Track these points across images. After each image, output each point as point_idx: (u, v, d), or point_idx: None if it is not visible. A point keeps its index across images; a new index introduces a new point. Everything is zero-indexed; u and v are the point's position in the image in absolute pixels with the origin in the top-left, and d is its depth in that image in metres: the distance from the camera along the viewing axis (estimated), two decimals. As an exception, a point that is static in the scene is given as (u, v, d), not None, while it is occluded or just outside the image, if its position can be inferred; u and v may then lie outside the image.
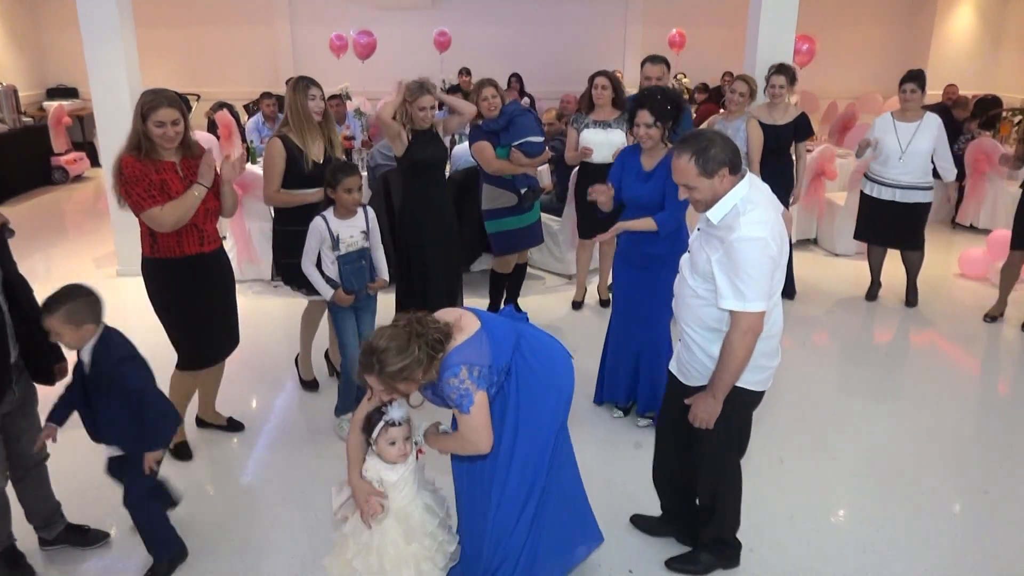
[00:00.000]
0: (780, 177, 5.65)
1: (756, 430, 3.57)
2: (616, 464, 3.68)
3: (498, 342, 2.36)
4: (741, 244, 2.39)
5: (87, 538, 3.07)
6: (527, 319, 2.64)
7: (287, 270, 4.01)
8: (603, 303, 5.79)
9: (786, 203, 5.75)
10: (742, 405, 2.68)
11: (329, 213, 3.60)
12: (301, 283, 3.90)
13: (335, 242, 3.57)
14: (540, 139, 5.02)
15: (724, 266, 2.44)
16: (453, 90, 7.28)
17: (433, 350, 2.22)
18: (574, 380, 2.58)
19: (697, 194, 2.51)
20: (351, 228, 3.63)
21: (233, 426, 3.94)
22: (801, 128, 5.60)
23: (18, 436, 2.84)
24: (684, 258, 2.72)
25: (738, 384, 2.58)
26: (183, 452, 3.68)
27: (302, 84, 3.82)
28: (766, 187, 2.59)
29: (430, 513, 2.51)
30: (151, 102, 3.16)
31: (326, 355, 4.61)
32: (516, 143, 4.89)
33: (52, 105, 10.57)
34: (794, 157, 5.75)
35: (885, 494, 3.45)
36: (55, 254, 6.97)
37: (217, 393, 3.91)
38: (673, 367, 2.83)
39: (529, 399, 2.43)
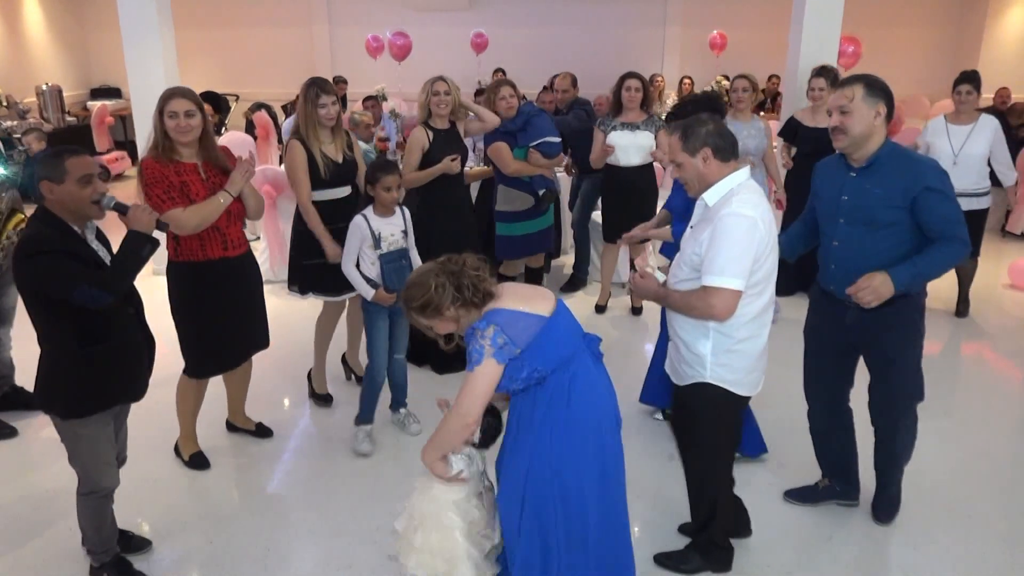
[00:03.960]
0: None
1: (799, 449, 3.46)
2: (649, 474, 3.57)
3: (549, 343, 2.21)
4: (729, 218, 2.41)
5: (131, 544, 3.02)
6: (598, 352, 2.41)
7: (305, 273, 3.92)
8: (635, 311, 5.68)
9: None
10: (728, 409, 2.68)
11: (369, 212, 3.59)
12: (319, 287, 3.87)
13: (376, 240, 3.55)
14: (558, 140, 4.98)
15: (710, 242, 2.44)
16: (481, 92, 7.24)
17: (465, 291, 2.17)
18: (614, 424, 2.38)
19: (683, 172, 2.57)
20: (391, 226, 3.61)
21: (262, 432, 3.90)
22: None
23: (117, 431, 2.83)
24: (678, 254, 2.72)
25: (724, 387, 2.59)
26: (200, 462, 3.62)
27: (312, 91, 3.73)
28: (761, 188, 2.63)
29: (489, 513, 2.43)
30: (164, 94, 3.17)
31: (343, 359, 4.52)
32: (534, 144, 4.84)
33: (96, 105, 10.76)
34: None
35: (930, 517, 3.30)
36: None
37: (246, 397, 3.88)
38: (667, 367, 2.85)
39: (551, 429, 2.26)
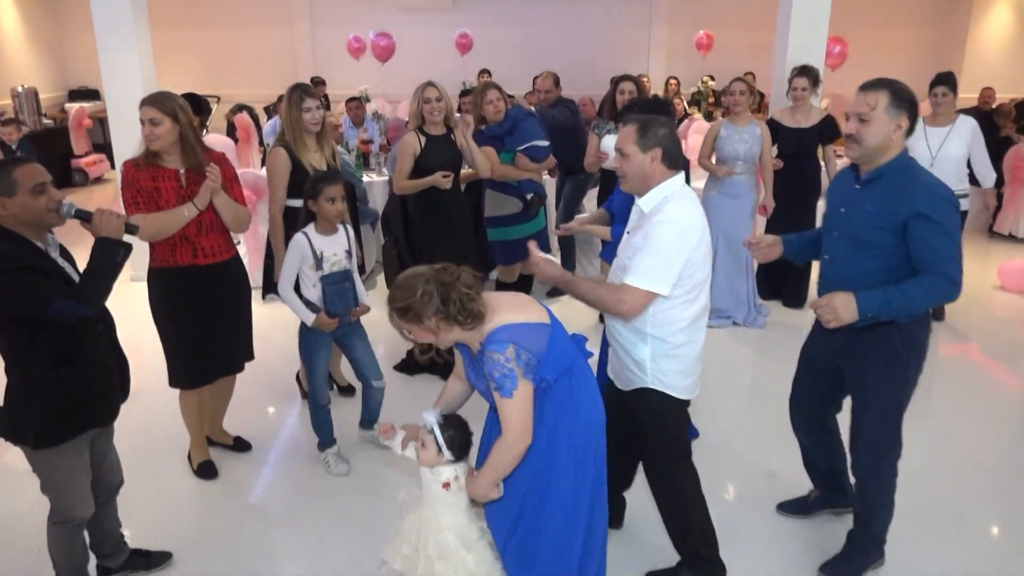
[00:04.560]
0: (805, 180, 5.51)
1: (792, 458, 3.39)
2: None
3: (553, 351, 2.21)
4: (661, 225, 2.43)
5: (151, 561, 2.94)
6: (587, 351, 2.45)
7: None
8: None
9: (813, 206, 5.54)
10: (672, 413, 2.67)
11: (310, 229, 3.32)
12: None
13: (318, 261, 3.31)
14: (546, 143, 4.89)
15: (641, 246, 2.46)
16: (466, 93, 7.15)
17: (450, 305, 2.10)
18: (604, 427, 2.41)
19: (627, 164, 2.55)
20: (334, 245, 3.39)
21: (240, 446, 3.79)
22: (827, 130, 5.42)
23: (102, 458, 2.70)
24: (615, 259, 2.72)
25: (664, 391, 2.60)
26: (208, 471, 3.54)
27: (296, 95, 3.66)
28: (695, 195, 2.62)
29: (484, 534, 2.42)
30: (141, 101, 3.10)
31: (297, 378, 4.35)
32: (521, 147, 4.75)
33: (73, 107, 10.57)
34: (822, 161, 5.54)
35: (923, 523, 3.24)
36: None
37: (224, 412, 3.77)
38: (610, 372, 2.83)
39: (567, 433, 2.26)
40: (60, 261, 2.47)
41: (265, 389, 4.43)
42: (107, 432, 2.70)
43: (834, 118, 5.45)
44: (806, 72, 5.28)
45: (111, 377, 2.60)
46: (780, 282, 5.74)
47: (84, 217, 2.42)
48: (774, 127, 5.42)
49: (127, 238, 2.47)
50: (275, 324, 5.08)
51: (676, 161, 2.54)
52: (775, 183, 5.45)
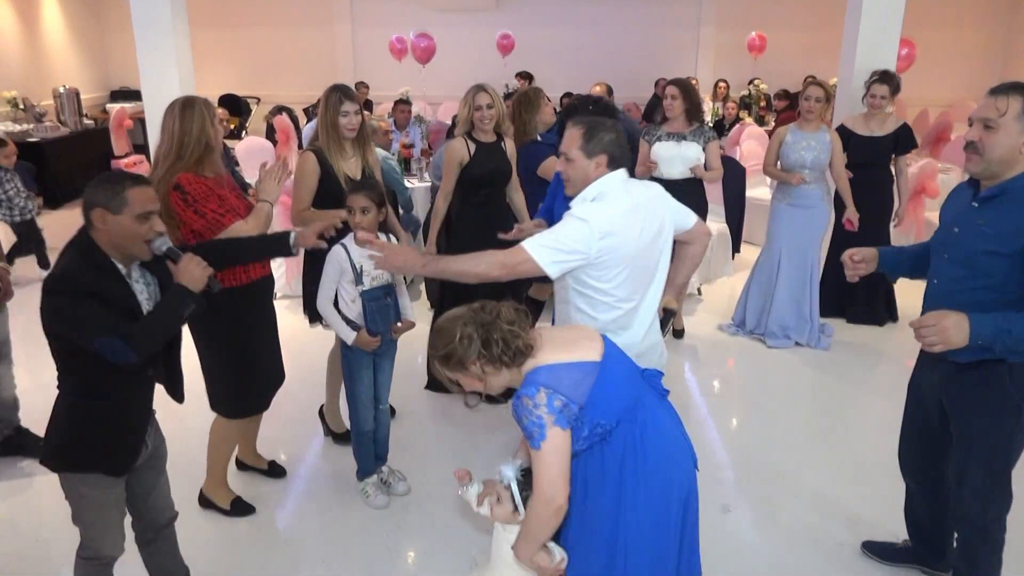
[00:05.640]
0: (878, 193, 5.15)
1: (874, 500, 3.05)
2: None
3: (607, 392, 1.95)
4: (571, 218, 2.36)
5: None
6: (662, 388, 2.19)
7: (314, 299, 3.44)
8: (675, 332, 5.30)
9: (886, 221, 5.19)
10: None
11: (350, 241, 3.07)
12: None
13: (358, 275, 3.05)
14: None
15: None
16: (508, 96, 6.89)
17: (493, 347, 1.91)
18: (691, 468, 2.13)
19: (571, 169, 2.47)
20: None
21: (275, 471, 3.56)
22: (903, 140, 5.05)
23: (147, 493, 2.49)
24: None
25: None
26: (243, 507, 3.28)
27: (334, 98, 3.39)
28: (650, 195, 2.50)
29: None
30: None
31: (320, 413, 3.99)
32: None
33: (115, 107, 10.54)
34: (894, 172, 5.17)
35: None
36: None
37: (258, 431, 3.53)
38: None
39: (635, 485, 2.00)
40: (138, 286, 2.27)
41: (296, 409, 4.18)
42: (153, 465, 2.49)
43: (910, 127, 5.08)
44: (887, 79, 4.91)
45: (138, 429, 2.36)
46: (846, 297, 5.38)
47: (173, 258, 2.25)
48: (845, 135, 5.06)
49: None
50: (309, 335, 4.85)
51: (619, 164, 2.46)
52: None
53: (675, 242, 2.64)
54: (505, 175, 4.05)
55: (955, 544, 2.63)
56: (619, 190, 2.43)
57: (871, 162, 5.06)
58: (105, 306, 2.11)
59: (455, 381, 2.02)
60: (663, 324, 2.70)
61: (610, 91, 5.80)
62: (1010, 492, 2.45)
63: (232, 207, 2.91)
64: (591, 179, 2.44)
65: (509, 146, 4.06)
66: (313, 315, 3.51)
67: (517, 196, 4.21)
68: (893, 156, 5.10)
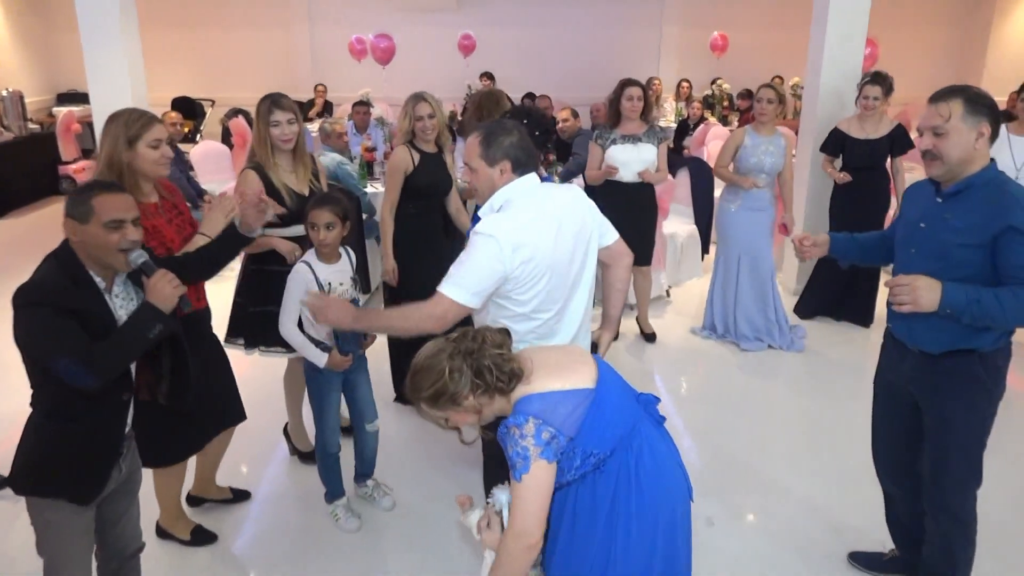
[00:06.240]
0: (875, 196, 5.14)
1: (860, 509, 2.99)
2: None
3: (602, 420, 1.84)
4: (478, 236, 2.26)
5: None
6: (658, 415, 2.09)
7: (255, 322, 3.29)
8: (646, 336, 5.22)
9: (882, 224, 5.18)
10: None
11: (312, 257, 2.95)
12: (270, 339, 3.22)
13: (326, 293, 2.88)
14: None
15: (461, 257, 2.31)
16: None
17: (486, 375, 1.78)
18: (687, 499, 2.02)
19: (476, 179, 2.41)
20: (340, 273, 2.98)
21: (238, 496, 3.37)
22: (899, 142, 5.05)
23: (117, 520, 2.35)
24: None
25: None
26: (206, 536, 3.09)
27: (263, 107, 3.16)
28: (567, 198, 2.42)
29: None
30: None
31: (285, 431, 3.80)
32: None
33: (61, 111, 10.14)
34: (891, 174, 5.17)
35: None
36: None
37: (218, 467, 3.30)
38: None
39: (627, 517, 1.88)
40: (118, 301, 2.14)
41: (247, 436, 3.99)
42: (125, 491, 2.35)
43: (905, 128, 5.08)
44: (880, 80, 4.91)
45: (107, 456, 2.20)
46: (840, 297, 5.37)
47: (147, 272, 2.11)
48: (840, 139, 5.08)
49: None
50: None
51: (526, 167, 2.37)
52: (841, 197, 5.16)
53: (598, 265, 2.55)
54: (445, 187, 3.93)
55: (931, 540, 2.62)
56: (526, 198, 2.33)
57: (868, 165, 5.06)
58: (74, 322, 1.99)
59: (444, 420, 1.88)
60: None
61: (575, 113, 5.80)
62: (980, 473, 2.51)
63: (166, 239, 2.63)
64: (497, 186, 2.36)
65: (449, 160, 3.94)
66: (252, 340, 3.32)
67: (462, 217, 4.07)
68: (890, 157, 5.10)
